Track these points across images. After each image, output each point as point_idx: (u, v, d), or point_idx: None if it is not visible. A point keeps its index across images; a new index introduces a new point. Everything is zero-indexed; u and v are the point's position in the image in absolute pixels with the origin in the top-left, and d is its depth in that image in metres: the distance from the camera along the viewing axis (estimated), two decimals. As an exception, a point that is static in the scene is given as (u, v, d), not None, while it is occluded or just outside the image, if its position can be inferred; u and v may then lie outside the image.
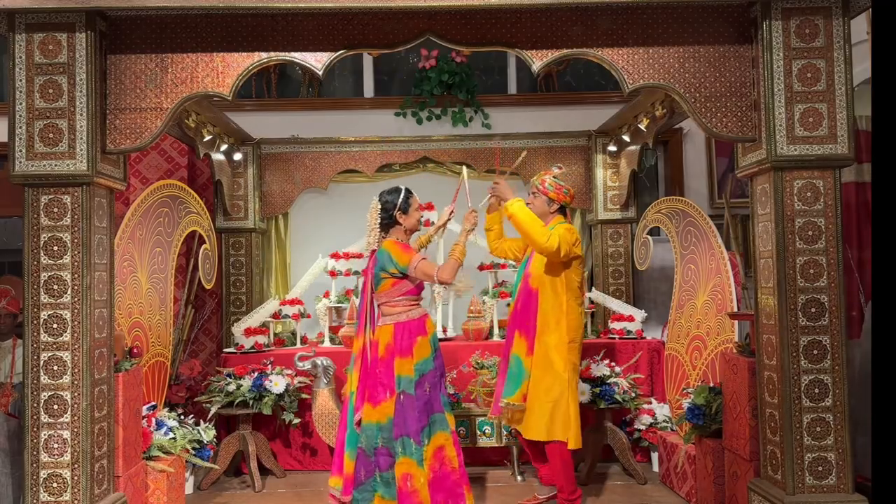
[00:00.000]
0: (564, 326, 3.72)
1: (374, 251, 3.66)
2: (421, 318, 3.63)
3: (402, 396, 3.50)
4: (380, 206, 3.67)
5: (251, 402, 4.53)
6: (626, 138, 5.27)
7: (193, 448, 4.18)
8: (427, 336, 3.60)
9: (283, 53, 3.39)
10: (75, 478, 3.19)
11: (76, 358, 3.20)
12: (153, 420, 4.00)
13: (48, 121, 3.21)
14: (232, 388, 4.55)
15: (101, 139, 3.31)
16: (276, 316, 5.31)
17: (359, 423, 3.56)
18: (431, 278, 3.54)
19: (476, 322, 5.09)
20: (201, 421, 4.45)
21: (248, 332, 4.99)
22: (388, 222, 3.66)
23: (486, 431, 4.58)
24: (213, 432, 4.36)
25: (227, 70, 3.37)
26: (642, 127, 4.88)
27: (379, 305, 3.65)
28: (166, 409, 4.38)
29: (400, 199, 3.64)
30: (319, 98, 6.09)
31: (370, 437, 3.51)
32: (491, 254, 4.27)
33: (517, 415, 3.81)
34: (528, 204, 3.83)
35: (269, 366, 4.70)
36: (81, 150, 3.21)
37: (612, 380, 4.57)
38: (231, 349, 5.07)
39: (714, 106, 3.37)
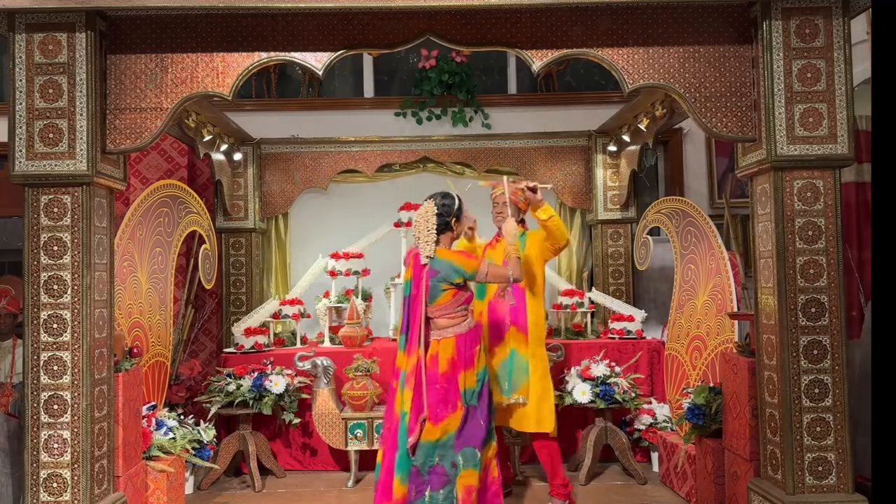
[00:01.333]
0: (542, 322, 4.01)
1: (423, 258, 3.38)
2: (477, 327, 3.51)
3: (468, 410, 3.34)
4: (436, 211, 3.40)
5: (251, 402, 4.53)
6: (626, 138, 5.27)
7: (193, 448, 4.18)
8: (481, 344, 3.49)
9: (283, 53, 3.39)
10: (75, 478, 3.19)
11: (76, 358, 3.20)
12: (153, 420, 4.00)
13: (48, 121, 3.21)
14: (232, 388, 4.55)
15: (101, 139, 3.31)
16: (276, 316, 5.31)
17: (413, 446, 3.30)
18: (507, 279, 3.42)
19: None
20: (201, 421, 4.45)
21: (248, 332, 4.99)
22: (442, 228, 3.41)
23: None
24: (213, 432, 4.36)
25: (227, 70, 3.37)
26: (642, 127, 4.88)
27: (431, 319, 3.40)
28: (166, 409, 4.38)
29: (456, 206, 3.45)
30: (319, 98, 6.09)
31: (427, 454, 3.29)
32: None
33: (517, 409, 3.87)
34: (499, 213, 3.93)
35: (269, 366, 4.69)
36: (81, 150, 3.21)
37: (612, 380, 4.57)
38: (231, 349, 5.07)
39: (714, 106, 3.37)
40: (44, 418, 3.20)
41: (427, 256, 3.38)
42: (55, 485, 3.19)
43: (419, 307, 3.38)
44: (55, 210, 3.23)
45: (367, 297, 5.35)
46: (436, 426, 3.30)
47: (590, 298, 5.38)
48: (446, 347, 3.37)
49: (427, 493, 3.28)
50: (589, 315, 5.36)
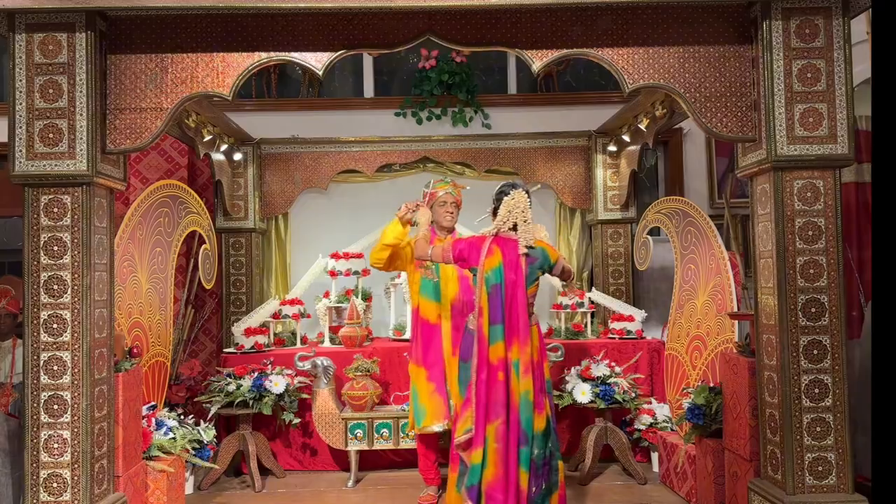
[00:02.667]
0: None
1: (523, 246, 3.40)
2: None
3: (549, 398, 3.45)
4: (530, 201, 3.47)
5: (251, 402, 4.53)
6: (626, 138, 5.27)
7: (193, 448, 4.18)
8: None
9: (283, 53, 3.39)
10: (75, 478, 3.19)
11: (76, 358, 3.20)
12: (153, 420, 4.00)
13: (48, 121, 3.21)
14: (232, 388, 4.54)
15: (101, 139, 3.31)
16: (276, 316, 5.31)
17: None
18: (572, 274, 3.58)
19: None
20: (201, 421, 4.45)
21: (248, 332, 4.99)
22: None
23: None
24: (213, 432, 4.36)
25: (227, 70, 3.37)
26: (642, 127, 4.88)
27: None
28: (166, 409, 4.38)
29: None
30: (319, 98, 6.09)
31: (539, 446, 3.34)
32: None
33: None
34: (449, 214, 4.03)
35: (269, 366, 4.69)
36: (81, 150, 3.21)
37: (612, 380, 4.57)
38: (231, 349, 5.07)
39: (714, 106, 3.37)
40: (44, 418, 3.20)
41: (529, 245, 3.40)
42: (55, 485, 3.19)
43: (521, 292, 3.36)
44: (55, 210, 3.23)
45: (367, 297, 5.35)
46: (540, 415, 3.34)
47: (590, 298, 5.38)
48: (534, 336, 3.42)
49: (543, 486, 3.33)
50: (589, 315, 5.37)
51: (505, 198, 3.47)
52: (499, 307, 3.36)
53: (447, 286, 4.05)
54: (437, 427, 4.03)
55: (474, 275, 3.50)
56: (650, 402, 4.81)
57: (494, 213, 3.53)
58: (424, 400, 4.04)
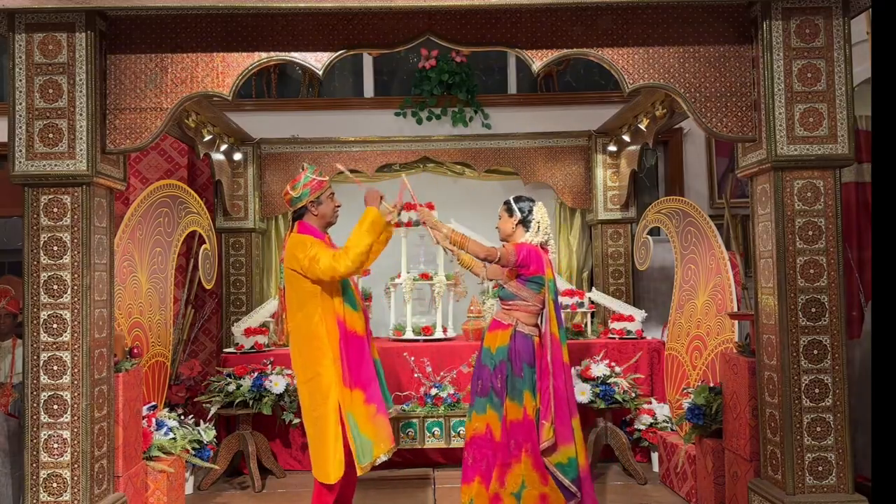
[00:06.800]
0: None
1: (552, 255, 3.62)
2: None
3: None
4: None
5: (251, 402, 4.53)
6: (626, 138, 5.27)
7: (193, 448, 4.19)
8: None
9: (282, 53, 3.39)
10: (75, 478, 3.19)
11: (76, 358, 3.20)
12: (153, 420, 4.00)
13: (48, 121, 3.21)
14: (232, 388, 4.55)
15: (101, 139, 3.31)
16: (275, 316, 5.30)
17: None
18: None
19: (476, 322, 5.10)
20: (201, 421, 4.45)
21: (248, 332, 4.99)
22: None
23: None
24: (213, 432, 4.36)
25: (226, 70, 3.37)
26: (642, 127, 4.88)
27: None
28: (166, 409, 4.38)
29: None
30: (319, 98, 6.09)
31: None
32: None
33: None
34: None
35: (269, 366, 4.70)
36: (81, 150, 3.21)
37: (612, 380, 4.57)
38: (231, 349, 5.07)
39: (714, 106, 3.37)
40: (44, 418, 3.20)
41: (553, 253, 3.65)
42: (55, 485, 3.19)
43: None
44: (55, 210, 3.23)
45: (367, 297, 5.35)
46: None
47: (590, 298, 5.38)
48: None
49: None
50: (589, 315, 5.37)
51: (535, 209, 3.56)
52: (559, 312, 3.55)
53: (356, 294, 3.57)
54: (387, 455, 3.32)
55: (525, 282, 3.48)
56: (650, 402, 4.81)
57: (523, 223, 3.55)
58: (367, 428, 3.25)
